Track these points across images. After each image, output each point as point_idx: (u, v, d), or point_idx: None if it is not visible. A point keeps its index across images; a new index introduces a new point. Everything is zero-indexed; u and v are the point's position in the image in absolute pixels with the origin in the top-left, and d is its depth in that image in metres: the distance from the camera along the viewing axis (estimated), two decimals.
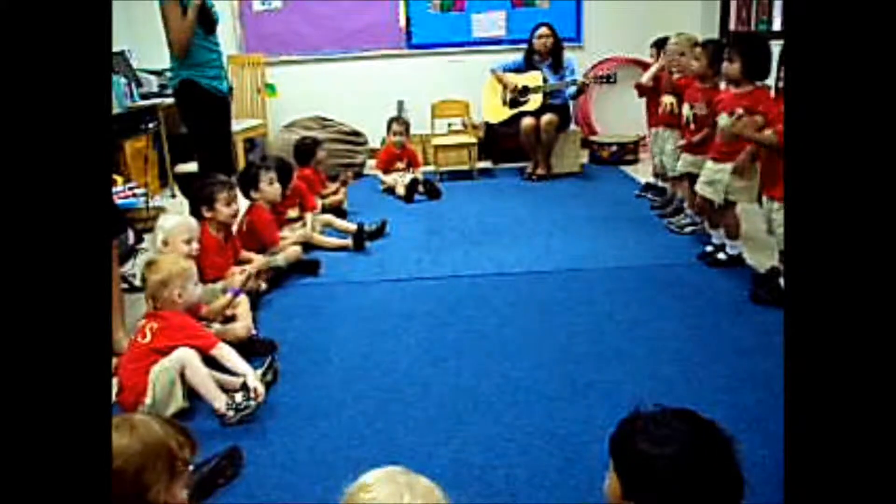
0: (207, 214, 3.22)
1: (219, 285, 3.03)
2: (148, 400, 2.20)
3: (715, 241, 3.52)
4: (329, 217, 4.29)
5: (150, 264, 2.47)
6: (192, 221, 3.01)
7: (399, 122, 5.34)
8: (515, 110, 5.43)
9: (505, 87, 5.48)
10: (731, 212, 3.42)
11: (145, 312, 2.43)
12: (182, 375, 2.23)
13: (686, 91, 3.86)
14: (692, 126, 3.76)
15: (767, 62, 3.17)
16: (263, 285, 3.28)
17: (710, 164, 3.47)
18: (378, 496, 1.03)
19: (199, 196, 3.25)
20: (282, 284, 3.42)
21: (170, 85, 3.75)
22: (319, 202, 4.50)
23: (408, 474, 1.08)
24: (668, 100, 4.11)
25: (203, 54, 3.52)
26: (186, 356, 2.24)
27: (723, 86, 3.58)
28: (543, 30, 5.39)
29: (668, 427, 1.14)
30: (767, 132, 2.92)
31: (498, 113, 5.56)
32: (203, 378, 2.24)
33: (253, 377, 2.29)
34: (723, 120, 3.31)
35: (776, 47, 3.23)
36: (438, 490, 1.08)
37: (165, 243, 2.85)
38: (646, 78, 4.47)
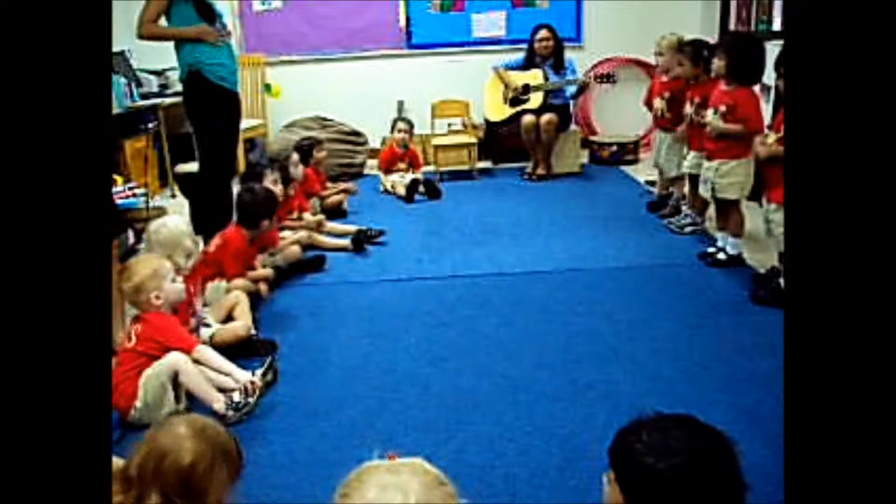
0: None
1: (224, 284, 3.04)
2: (139, 403, 2.20)
3: (719, 243, 3.53)
4: (330, 225, 4.26)
5: (122, 272, 2.39)
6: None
7: (404, 121, 5.34)
8: (516, 108, 5.43)
9: (506, 85, 5.48)
10: (736, 209, 3.43)
11: (134, 315, 2.42)
12: (176, 380, 2.23)
13: (686, 91, 3.88)
14: (693, 123, 3.77)
15: (757, 63, 3.20)
16: (264, 288, 3.26)
17: (704, 161, 3.51)
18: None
19: (249, 178, 3.60)
20: (282, 284, 3.42)
21: (178, 79, 3.68)
22: (318, 203, 4.50)
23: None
24: (658, 104, 4.15)
25: (208, 46, 3.45)
26: (177, 361, 2.22)
27: (723, 86, 3.60)
28: (543, 32, 5.39)
29: (671, 437, 1.13)
30: (769, 142, 2.94)
31: (499, 111, 5.56)
32: (198, 381, 2.24)
33: (240, 373, 2.28)
34: (709, 116, 3.35)
35: (776, 47, 3.24)
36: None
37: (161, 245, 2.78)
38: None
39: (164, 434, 1.30)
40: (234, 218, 3.29)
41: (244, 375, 2.31)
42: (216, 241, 3.23)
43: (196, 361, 2.29)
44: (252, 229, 3.22)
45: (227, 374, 2.32)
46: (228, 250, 3.14)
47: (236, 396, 2.22)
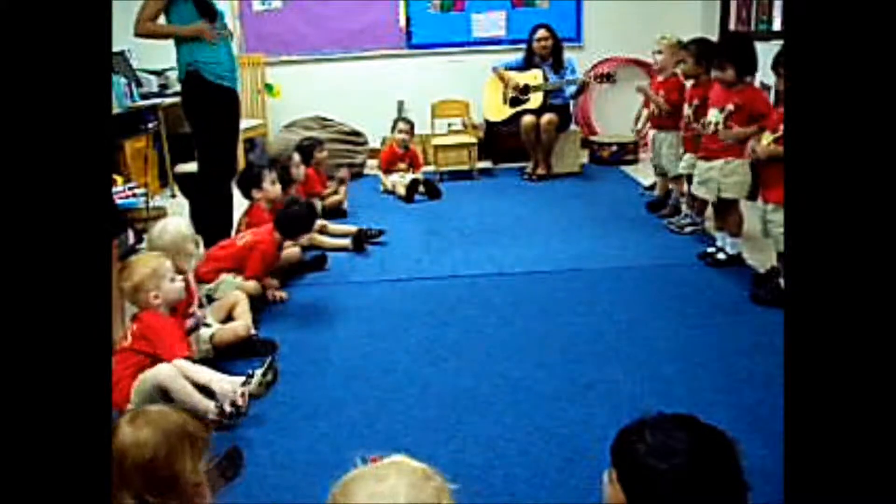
0: (257, 195, 3.64)
1: (238, 280, 3.05)
2: (130, 405, 2.19)
3: (719, 243, 3.53)
4: (330, 225, 4.26)
5: (121, 271, 2.37)
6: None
7: (405, 122, 5.34)
8: (516, 109, 5.43)
9: (506, 85, 5.49)
10: (735, 209, 3.43)
11: (133, 314, 2.41)
12: (167, 392, 2.19)
13: (687, 91, 3.89)
14: (692, 125, 3.76)
15: (753, 58, 3.22)
16: (284, 295, 3.27)
17: (700, 163, 3.50)
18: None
19: (247, 179, 3.67)
20: (282, 284, 3.41)
21: (177, 79, 3.67)
22: (319, 203, 4.50)
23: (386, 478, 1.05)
24: (657, 102, 4.16)
25: (206, 45, 3.41)
26: (164, 378, 2.16)
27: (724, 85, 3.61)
28: (542, 32, 5.39)
29: (673, 438, 1.13)
30: (763, 143, 2.94)
31: (499, 111, 5.56)
32: (187, 395, 2.17)
33: (217, 383, 2.23)
34: (713, 116, 3.34)
35: (776, 47, 3.24)
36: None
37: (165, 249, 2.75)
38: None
39: (116, 439, 1.27)
40: (273, 225, 3.32)
41: (221, 385, 2.24)
42: (247, 237, 3.27)
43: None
44: (288, 239, 3.32)
45: (206, 383, 2.25)
46: (258, 250, 3.17)
47: (227, 406, 2.20)
